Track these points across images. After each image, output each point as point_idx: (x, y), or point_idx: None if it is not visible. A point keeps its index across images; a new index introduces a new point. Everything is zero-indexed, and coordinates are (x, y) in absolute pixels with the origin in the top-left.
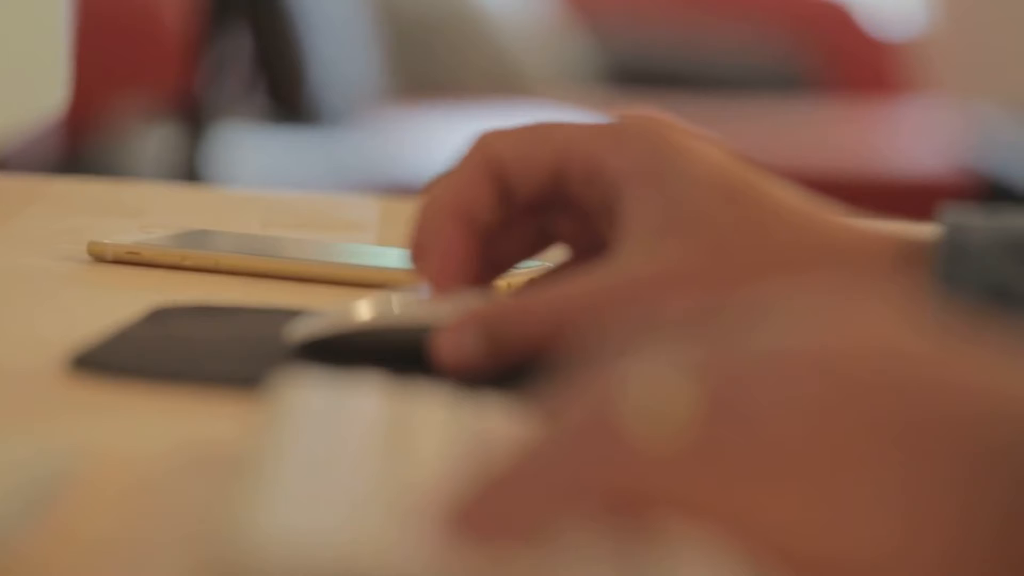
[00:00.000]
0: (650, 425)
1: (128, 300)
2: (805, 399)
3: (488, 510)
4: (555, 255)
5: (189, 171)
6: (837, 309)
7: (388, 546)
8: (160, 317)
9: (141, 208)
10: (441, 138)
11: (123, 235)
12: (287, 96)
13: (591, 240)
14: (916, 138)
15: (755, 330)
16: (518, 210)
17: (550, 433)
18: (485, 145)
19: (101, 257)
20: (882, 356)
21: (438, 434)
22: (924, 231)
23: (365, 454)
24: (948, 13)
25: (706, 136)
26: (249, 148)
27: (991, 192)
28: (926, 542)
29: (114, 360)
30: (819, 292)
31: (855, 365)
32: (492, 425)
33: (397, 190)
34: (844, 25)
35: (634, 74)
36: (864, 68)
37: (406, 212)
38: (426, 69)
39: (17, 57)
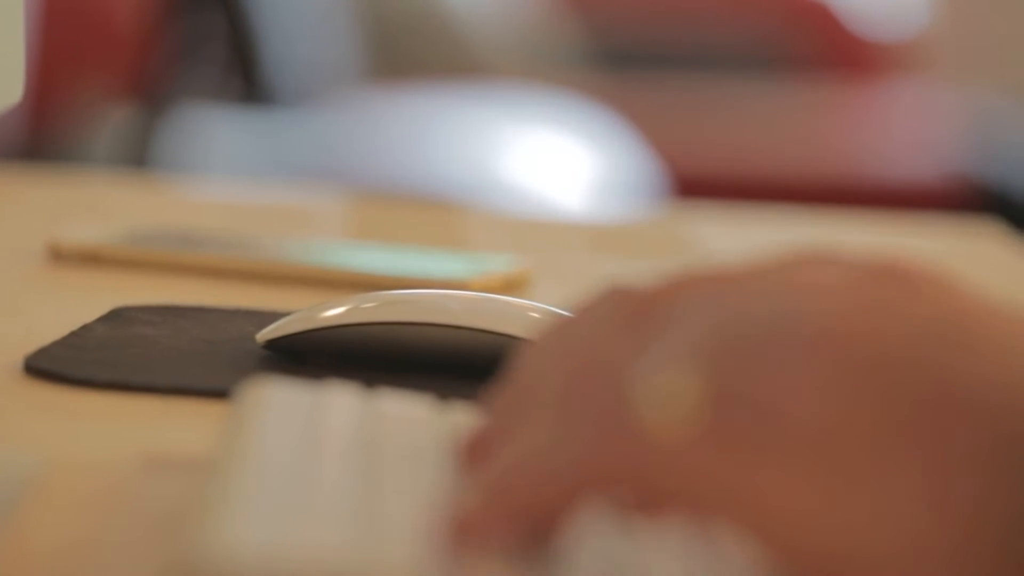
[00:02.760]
0: (662, 414)
1: (87, 300)
2: (823, 382)
3: (499, 509)
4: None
5: (150, 156)
6: (862, 292)
7: (352, 556)
8: (120, 317)
9: (102, 204)
10: (408, 122)
11: (83, 233)
12: (251, 79)
13: None
14: (909, 139)
15: (773, 311)
16: None
17: (565, 423)
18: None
19: (60, 256)
20: (904, 339)
21: (406, 444)
22: None
23: (331, 464)
24: (949, 5)
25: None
26: (212, 131)
27: (986, 198)
28: (940, 532)
29: (70, 364)
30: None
31: (876, 347)
32: (461, 434)
33: (361, 175)
34: (829, 20)
35: (618, 56)
36: (853, 66)
37: (372, 210)
38: (394, 51)
39: None
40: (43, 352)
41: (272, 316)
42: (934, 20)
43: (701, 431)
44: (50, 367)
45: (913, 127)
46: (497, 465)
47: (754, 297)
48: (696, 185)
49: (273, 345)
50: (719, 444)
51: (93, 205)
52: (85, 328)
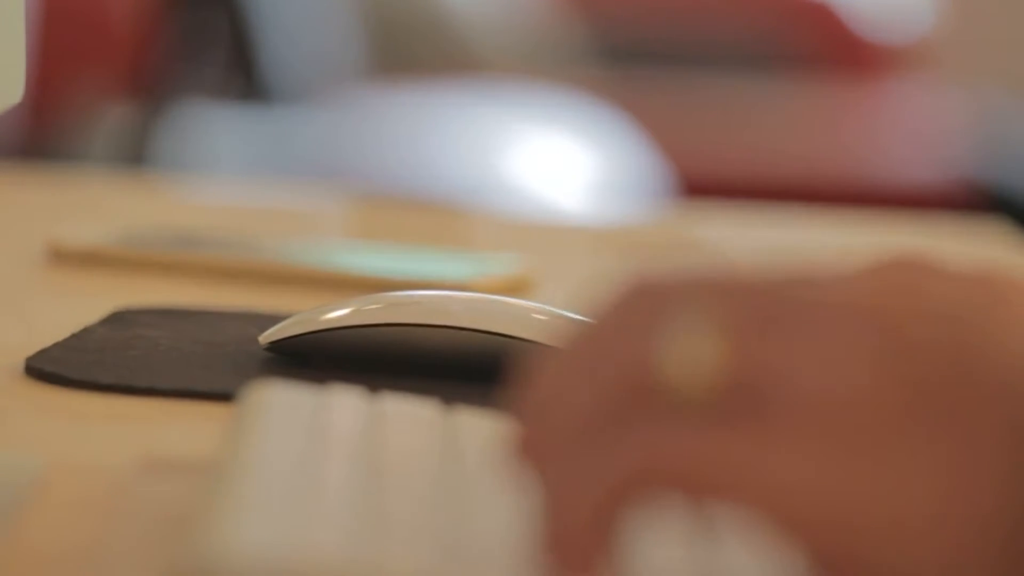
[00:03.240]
0: (687, 382)
1: (88, 301)
2: (847, 355)
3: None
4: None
5: (149, 154)
6: (903, 273)
7: (356, 559)
8: (121, 319)
9: (102, 205)
10: (409, 120)
11: (84, 234)
12: (251, 76)
13: None
14: (914, 139)
15: (808, 285)
16: None
17: (588, 389)
18: None
19: (61, 257)
20: (937, 317)
21: (410, 447)
22: None
23: (335, 467)
24: (954, 6)
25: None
26: (212, 129)
27: (990, 198)
28: (964, 506)
29: (71, 366)
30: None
31: (906, 323)
32: (466, 436)
33: (362, 173)
34: (835, 20)
35: (623, 54)
36: (858, 66)
37: (374, 211)
38: (395, 49)
39: None
40: (44, 354)
41: (275, 318)
42: (939, 20)
43: (718, 413)
44: (51, 369)
45: (918, 127)
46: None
47: (776, 284)
48: (700, 184)
49: (276, 347)
50: (737, 426)
51: (93, 206)
52: (86, 330)
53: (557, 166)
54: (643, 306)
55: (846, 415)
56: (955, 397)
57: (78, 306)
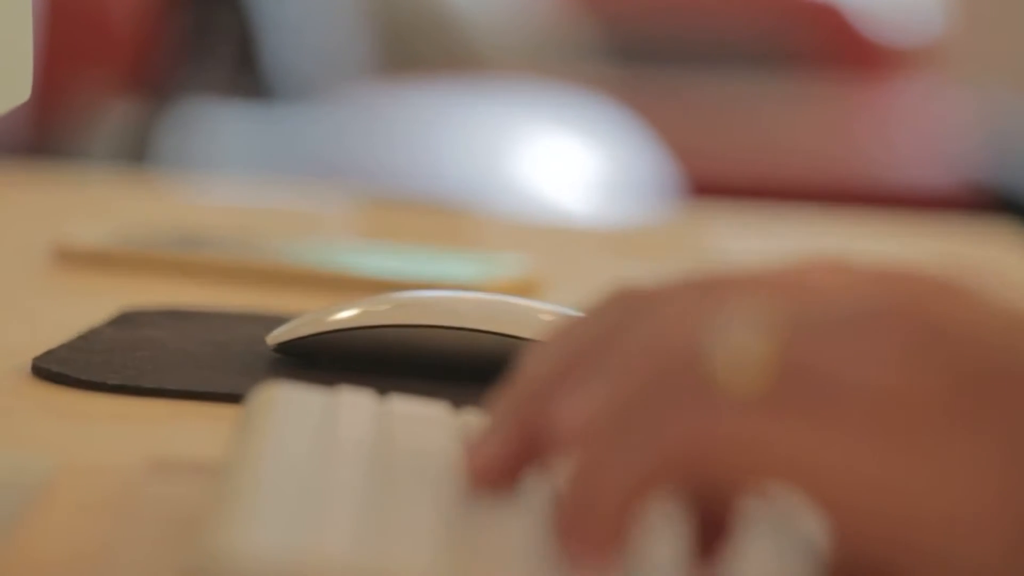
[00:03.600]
0: (729, 373)
1: (94, 302)
2: (890, 353)
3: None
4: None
5: (155, 152)
6: (935, 283)
7: (365, 562)
8: (128, 320)
9: (108, 205)
10: (415, 118)
11: (90, 234)
12: (257, 74)
13: None
14: (923, 141)
15: (836, 301)
16: None
17: (631, 377)
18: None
19: (67, 257)
20: (974, 312)
21: (419, 448)
22: None
23: (344, 468)
24: (964, 8)
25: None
26: (217, 126)
27: (999, 200)
28: (1009, 499)
29: (78, 366)
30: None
31: (943, 321)
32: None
33: (368, 171)
34: (845, 22)
35: (631, 53)
36: (868, 68)
37: (382, 212)
38: (402, 46)
39: None
40: (51, 354)
41: (282, 319)
42: (948, 21)
43: (769, 401)
44: (58, 369)
45: (926, 128)
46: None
47: (792, 295)
48: (707, 184)
49: (284, 348)
50: (788, 414)
51: (99, 206)
52: (93, 330)
53: (563, 165)
54: (687, 297)
55: (894, 408)
56: (998, 392)
57: (84, 307)
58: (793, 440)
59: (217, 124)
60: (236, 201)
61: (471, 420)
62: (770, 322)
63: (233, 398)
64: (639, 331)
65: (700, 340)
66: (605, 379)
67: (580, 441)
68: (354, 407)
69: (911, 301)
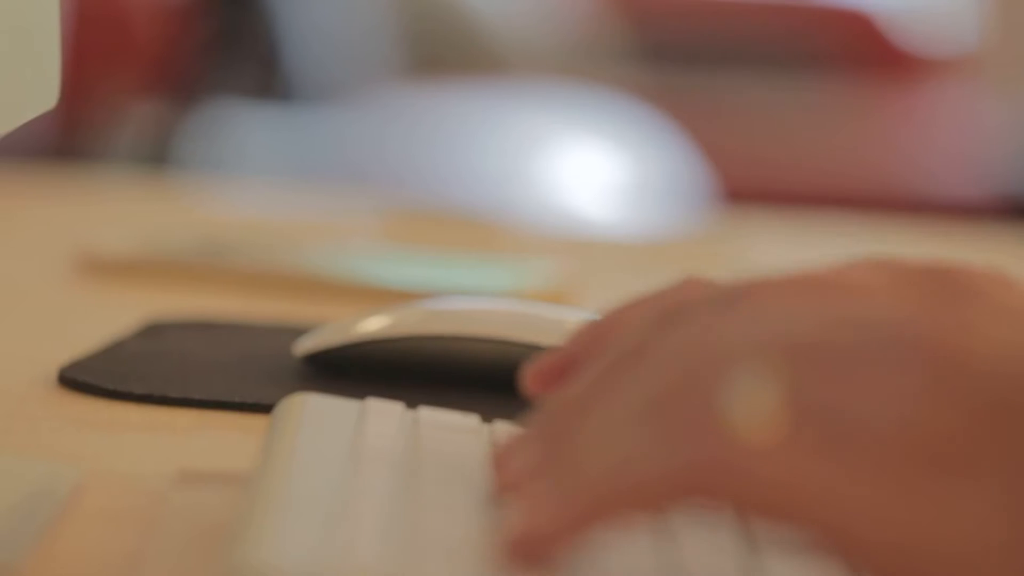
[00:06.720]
0: (746, 423)
1: (121, 311)
2: (904, 388)
3: (574, 520)
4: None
5: (179, 154)
6: (925, 294)
7: (393, 574)
8: (155, 330)
9: (134, 211)
10: (441, 120)
11: (116, 242)
12: (281, 75)
13: None
14: (956, 150)
15: (849, 316)
16: None
17: (644, 415)
18: None
19: (94, 266)
20: (1001, 327)
21: (448, 461)
22: None
23: (373, 480)
24: (999, 18)
25: None
26: (242, 128)
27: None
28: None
29: (105, 376)
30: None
31: (961, 352)
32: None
33: (392, 173)
34: (877, 30)
35: (661, 56)
36: (900, 75)
37: (410, 221)
38: (427, 48)
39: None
40: (78, 364)
41: (309, 329)
42: (981, 31)
43: (785, 441)
44: (85, 379)
45: (958, 137)
46: (576, 472)
47: (824, 302)
48: (739, 189)
49: (311, 359)
50: (804, 453)
51: (124, 213)
52: (119, 341)
53: (593, 170)
54: (713, 308)
55: (910, 443)
56: (1014, 428)
57: (110, 317)
58: (811, 479)
59: (242, 127)
60: (262, 208)
61: (501, 431)
62: (782, 362)
63: (261, 408)
64: (666, 345)
65: (718, 380)
66: (637, 386)
67: (595, 451)
68: (383, 418)
69: (934, 324)
